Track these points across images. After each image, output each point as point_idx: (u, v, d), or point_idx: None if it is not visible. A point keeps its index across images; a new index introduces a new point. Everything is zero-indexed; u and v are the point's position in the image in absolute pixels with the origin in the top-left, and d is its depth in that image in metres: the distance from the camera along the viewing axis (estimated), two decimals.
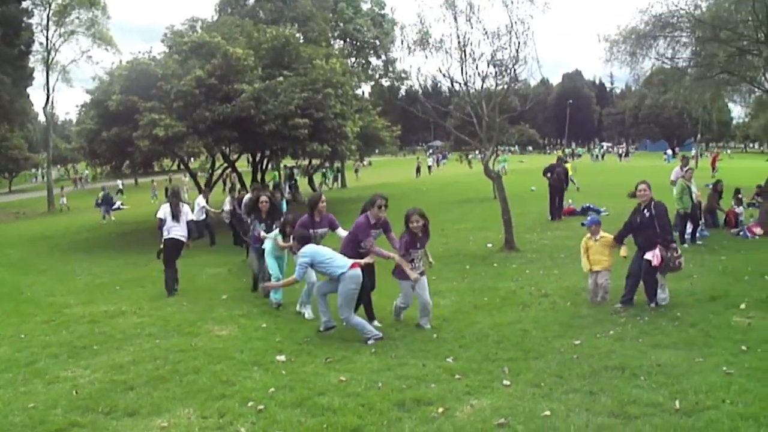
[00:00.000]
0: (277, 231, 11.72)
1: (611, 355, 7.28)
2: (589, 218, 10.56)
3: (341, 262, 8.75)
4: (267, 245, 11.92)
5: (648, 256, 9.39)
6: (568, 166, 37.83)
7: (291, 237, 10.67)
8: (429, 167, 63.30)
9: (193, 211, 16.22)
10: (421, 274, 9.15)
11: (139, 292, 14.38)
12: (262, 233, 12.16)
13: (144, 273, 17.42)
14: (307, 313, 10.53)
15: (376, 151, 48.10)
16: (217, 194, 34.51)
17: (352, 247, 9.41)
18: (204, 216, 21.75)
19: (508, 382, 6.60)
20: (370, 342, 8.39)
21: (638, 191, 9.82)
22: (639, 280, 9.65)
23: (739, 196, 19.20)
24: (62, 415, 6.60)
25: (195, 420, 6.20)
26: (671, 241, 9.73)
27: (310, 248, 8.98)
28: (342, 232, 10.32)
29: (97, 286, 15.95)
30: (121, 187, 59.29)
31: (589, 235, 10.28)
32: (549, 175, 22.64)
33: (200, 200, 22.33)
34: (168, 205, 13.73)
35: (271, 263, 11.75)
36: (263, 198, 12.57)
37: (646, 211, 9.62)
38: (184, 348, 8.85)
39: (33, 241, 29.93)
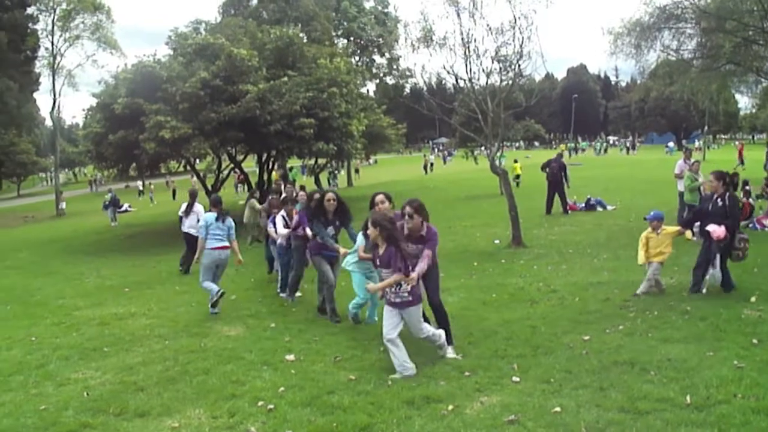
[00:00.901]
0: (360, 237, 9.17)
1: (621, 350, 7.24)
2: (651, 213, 10.51)
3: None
4: (349, 260, 9.56)
5: (711, 227, 9.46)
6: (516, 165, 38.00)
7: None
8: (431, 164, 63.11)
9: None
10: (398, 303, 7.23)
11: (147, 293, 14.42)
12: (341, 248, 9.96)
13: (153, 275, 17.47)
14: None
15: (383, 149, 48.02)
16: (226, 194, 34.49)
17: None
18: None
19: (517, 379, 6.58)
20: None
21: (710, 184, 10.10)
22: (707, 269, 9.72)
23: (747, 187, 19.11)
24: (74, 416, 6.64)
25: (205, 420, 6.22)
26: (739, 231, 9.97)
27: None
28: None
29: (106, 288, 16.03)
30: (141, 188, 59.56)
31: (650, 229, 10.26)
32: (546, 170, 22.77)
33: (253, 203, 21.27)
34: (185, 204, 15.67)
35: (359, 281, 9.34)
36: (330, 195, 10.30)
37: (719, 200, 9.71)
38: (194, 349, 8.86)
39: (42, 244, 30.05)
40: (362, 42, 60.82)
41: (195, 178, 52.62)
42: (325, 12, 51.12)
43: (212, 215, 11.50)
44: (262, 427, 5.92)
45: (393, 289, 7.10)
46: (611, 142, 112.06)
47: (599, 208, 22.42)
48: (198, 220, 14.27)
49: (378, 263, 7.35)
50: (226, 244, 11.57)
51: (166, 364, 8.25)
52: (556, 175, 22.28)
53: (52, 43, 57.26)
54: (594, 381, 6.33)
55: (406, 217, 7.69)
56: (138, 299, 13.77)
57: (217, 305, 11.20)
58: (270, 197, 15.71)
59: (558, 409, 5.69)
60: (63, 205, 52.82)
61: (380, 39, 59.94)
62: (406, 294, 7.09)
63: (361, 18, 59.03)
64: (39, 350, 9.78)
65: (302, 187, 17.64)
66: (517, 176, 38.46)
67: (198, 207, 15.72)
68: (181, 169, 40.47)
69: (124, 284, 16.24)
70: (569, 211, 22.24)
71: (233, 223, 11.80)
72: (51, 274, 19.85)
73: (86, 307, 13.40)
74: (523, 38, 16.20)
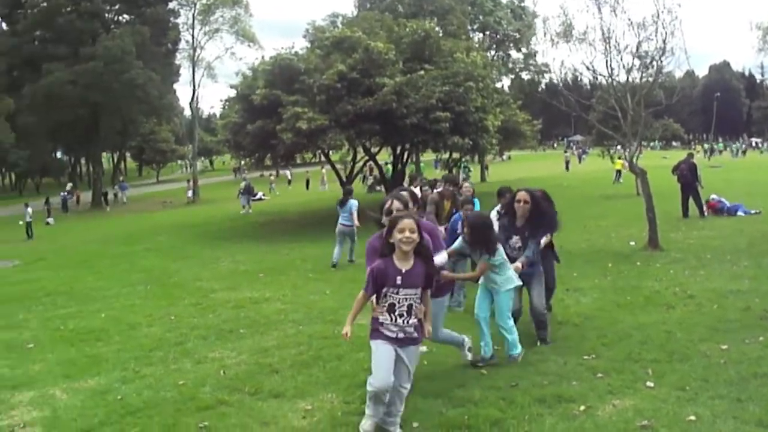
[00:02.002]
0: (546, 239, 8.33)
1: (760, 362, 6.94)
2: None
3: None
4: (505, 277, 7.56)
5: None
6: (618, 162, 36.77)
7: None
8: (567, 163, 61.90)
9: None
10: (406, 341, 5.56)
11: (282, 279, 14.88)
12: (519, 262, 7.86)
13: (286, 261, 17.99)
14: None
15: (517, 145, 47.48)
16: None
17: None
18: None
19: (651, 384, 6.45)
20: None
21: None
22: None
23: None
24: (210, 393, 6.98)
25: (338, 404, 6.40)
26: None
27: None
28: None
29: (241, 272, 16.67)
30: (290, 177, 61.18)
31: None
32: (676, 173, 22.10)
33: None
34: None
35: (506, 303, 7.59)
36: (522, 195, 8.05)
37: None
38: (327, 335, 9.11)
39: (179, 228, 31.46)
40: (498, 36, 60.38)
41: (324, 169, 53.88)
42: (461, 5, 50.94)
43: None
44: None
45: (395, 320, 5.45)
46: (753, 144, 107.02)
47: (740, 213, 21.52)
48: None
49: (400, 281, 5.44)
50: (348, 223, 16.03)
51: (299, 349, 8.54)
52: (687, 177, 21.57)
53: (193, 36, 59.79)
54: (731, 392, 6.14)
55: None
56: (272, 284, 14.27)
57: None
58: (437, 189, 13.46)
59: (693, 417, 5.56)
60: (190, 193, 54.87)
61: (517, 33, 59.34)
62: (412, 329, 5.52)
63: (497, 12, 58.59)
64: (177, 329, 10.38)
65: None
66: (618, 172, 37.57)
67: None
68: (315, 159, 41.41)
69: (258, 269, 16.82)
70: (709, 210, 21.60)
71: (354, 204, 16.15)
72: (188, 257, 20.78)
73: (222, 290, 14.04)
74: (666, 33, 15.74)
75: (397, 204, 6.25)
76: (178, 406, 6.63)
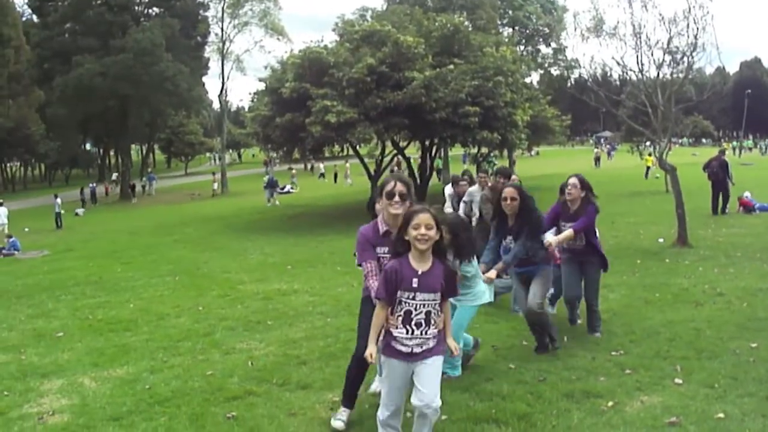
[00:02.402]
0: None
1: None
2: None
3: None
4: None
5: None
6: (648, 158, 36.61)
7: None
8: (598, 159, 61.51)
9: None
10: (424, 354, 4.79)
11: (310, 272, 14.96)
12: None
13: (315, 254, 18.08)
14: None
15: (546, 140, 47.28)
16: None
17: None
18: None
19: (680, 381, 6.42)
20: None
21: None
22: None
23: None
24: (238, 383, 7.04)
25: (365, 397, 6.38)
26: None
27: None
28: None
29: (270, 265, 16.78)
30: (323, 170, 61.35)
31: None
32: (707, 170, 22.03)
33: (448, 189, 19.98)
34: None
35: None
36: (509, 192, 7.44)
37: None
38: (354, 327, 9.07)
39: (208, 220, 31.71)
40: (528, 31, 60.16)
41: (345, 163, 53.97)
42: (490, 0, 50.83)
43: None
44: None
45: (413, 331, 4.71)
46: None
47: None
48: None
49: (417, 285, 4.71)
50: None
51: (327, 341, 8.58)
52: (717, 174, 21.44)
53: (222, 29, 60.18)
54: (761, 390, 6.10)
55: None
56: (300, 277, 14.35)
57: None
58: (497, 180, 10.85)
59: (721, 415, 5.54)
60: (215, 185, 55.23)
61: (546, 28, 59.07)
62: (431, 339, 4.78)
63: (527, 6, 58.37)
64: (206, 320, 10.48)
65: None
66: (648, 168, 37.45)
67: None
68: (342, 153, 41.50)
69: (286, 262, 16.94)
70: (741, 208, 21.46)
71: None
72: (216, 249, 20.96)
73: (250, 281, 14.14)
74: (697, 28, 15.61)
75: (400, 187, 5.33)
76: (205, 396, 6.69)
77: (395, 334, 4.75)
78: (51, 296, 13.97)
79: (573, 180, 8.12)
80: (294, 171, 56.20)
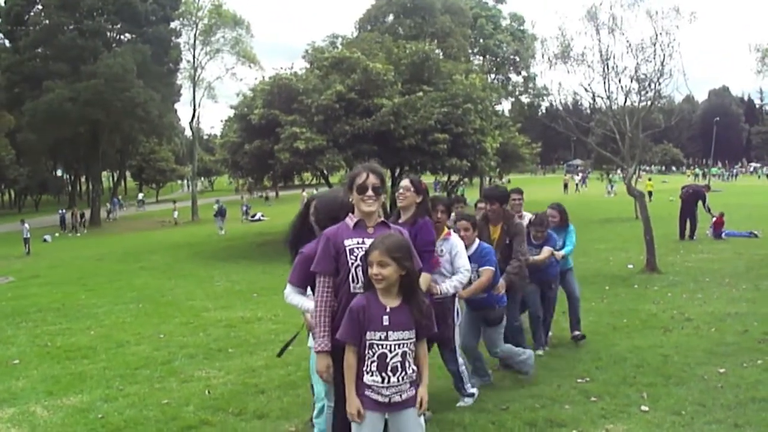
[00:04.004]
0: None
1: (758, 386, 6.81)
2: None
3: None
4: None
5: None
6: (649, 183, 37.23)
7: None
8: (576, 185, 62.07)
9: None
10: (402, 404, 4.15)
11: (275, 299, 14.69)
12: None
13: (281, 282, 17.68)
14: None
15: (514, 169, 47.45)
16: None
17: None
18: None
19: (646, 408, 6.32)
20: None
21: None
22: None
23: None
24: (194, 412, 6.87)
25: None
26: None
27: None
28: None
29: (235, 292, 16.57)
30: (305, 198, 60.88)
31: None
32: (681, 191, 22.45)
33: None
34: None
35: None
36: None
37: None
38: None
39: (176, 247, 31.42)
40: (498, 59, 60.71)
41: (304, 192, 53.72)
42: (461, 29, 51.25)
43: None
44: None
45: (388, 379, 4.05)
46: (752, 168, 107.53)
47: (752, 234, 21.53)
48: None
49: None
50: None
51: (288, 369, 8.40)
52: (688, 200, 21.70)
53: (194, 56, 60.17)
54: (729, 416, 6.01)
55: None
56: (265, 304, 14.15)
57: None
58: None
59: None
60: (176, 214, 54.77)
61: (516, 56, 59.63)
62: (409, 387, 4.12)
63: (498, 35, 58.98)
64: (166, 347, 10.28)
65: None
66: (650, 193, 37.80)
67: None
68: (314, 181, 41.39)
69: (252, 289, 16.72)
70: (715, 227, 21.77)
71: None
72: (183, 276, 20.71)
73: (215, 309, 13.97)
74: (664, 55, 15.75)
75: (372, 179, 4.53)
76: (159, 426, 6.52)
77: (368, 382, 4.06)
78: (11, 323, 13.62)
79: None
80: (245, 198, 55.57)
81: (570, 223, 9.46)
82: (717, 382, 7.04)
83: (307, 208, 5.51)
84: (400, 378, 4.02)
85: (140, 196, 77.78)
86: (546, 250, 8.46)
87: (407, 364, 4.05)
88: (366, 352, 4.05)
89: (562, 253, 8.95)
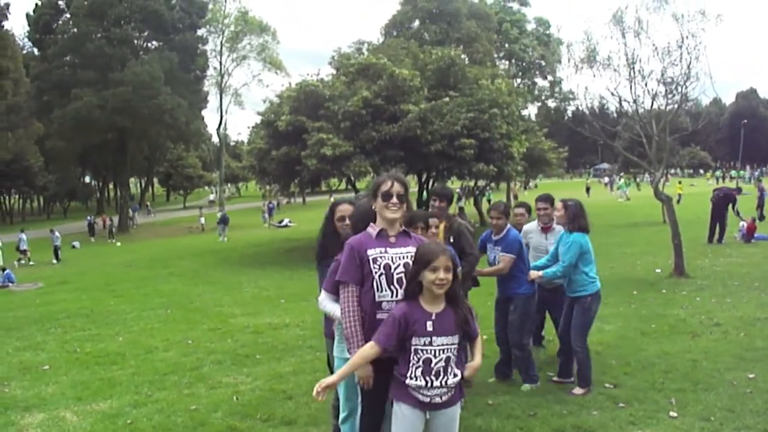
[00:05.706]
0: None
1: None
2: None
3: None
4: None
5: None
6: (679, 186, 36.97)
7: None
8: (588, 188, 61.72)
9: None
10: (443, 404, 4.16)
11: (303, 305, 14.79)
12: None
13: (308, 287, 17.87)
14: None
15: (542, 174, 47.26)
16: None
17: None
18: None
19: (675, 414, 6.30)
20: None
21: None
22: None
23: None
24: (222, 418, 6.93)
25: None
26: None
27: None
28: None
29: (263, 298, 16.63)
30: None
31: None
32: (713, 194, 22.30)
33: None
34: None
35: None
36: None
37: None
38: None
39: (204, 254, 31.56)
40: (524, 64, 60.57)
41: (332, 198, 53.87)
42: (487, 33, 51.16)
43: None
44: None
45: (431, 382, 4.07)
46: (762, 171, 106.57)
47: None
48: None
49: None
50: None
51: (316, 375, 8.37)
52: (718, 203, 21.54)
53: (221, 63, 60.64)
54: (758, 422, 5.97)
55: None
56: (293, 310, 14.20)
57: None
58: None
59: None
60: (202, 220, 54.97)
61: (542, 61, 59.44)
62: (452, 389, 4.17)
63: (523, 39, 58.85)
64: (194, 353, 10.34)
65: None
66: (679, 196, 37.59)
67: None
68: (342, 186, 41.51)
69: (280, 295, 16.78)
70: (747, 232, 21.50)
71: None
72: (211, 282, 20.80)
73: (242, 315, 14.02)
74: (690, 59, 15.63)
75: (397, 187, 4.57)
76: None
77: (412, 384, 4.07)
78: (41, 329, 13.77)
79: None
80: (264, 205, 55.86)
81: (581, 230, 7.32)
82: (746, 387, 6.99)
83: (332, 212, 5.58)
84: (443, 382, 4.05)
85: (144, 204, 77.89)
86: (506, 259, 7.46)
87: (449, 369, 4.08)
88: (411, 357, 4.08)
89: (539, 274, 7.34)
